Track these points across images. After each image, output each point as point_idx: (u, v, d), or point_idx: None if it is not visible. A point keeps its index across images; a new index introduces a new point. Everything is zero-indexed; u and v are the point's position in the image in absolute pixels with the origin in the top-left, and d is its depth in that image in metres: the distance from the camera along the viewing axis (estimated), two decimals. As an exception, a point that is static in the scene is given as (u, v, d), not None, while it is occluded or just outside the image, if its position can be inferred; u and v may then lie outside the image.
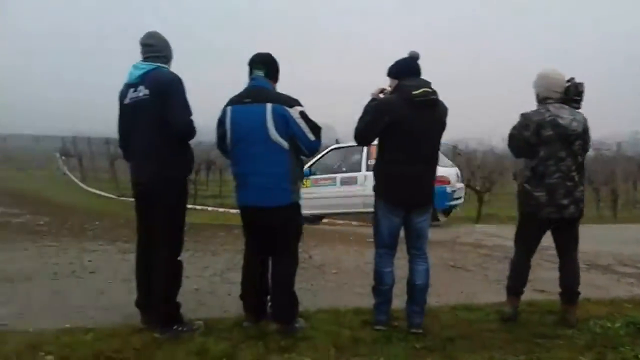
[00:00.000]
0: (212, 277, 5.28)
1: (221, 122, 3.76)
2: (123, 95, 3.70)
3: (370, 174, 9.28)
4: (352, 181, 10.58)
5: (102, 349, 3.28)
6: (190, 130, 3.64)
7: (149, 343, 3.40)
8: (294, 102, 3.65)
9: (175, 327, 3.57)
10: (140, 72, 3.61)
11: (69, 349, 3.27)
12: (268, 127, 3.56)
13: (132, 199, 3.92)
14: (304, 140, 3.64)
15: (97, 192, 20.57)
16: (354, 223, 11.03)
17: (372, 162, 9.40)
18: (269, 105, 3.58)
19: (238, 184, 3.79)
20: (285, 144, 3.60)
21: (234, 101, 3.73)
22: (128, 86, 3.66)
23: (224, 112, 3.74)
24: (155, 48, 3.70)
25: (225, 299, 4.55)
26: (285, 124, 3.58)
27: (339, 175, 10.77)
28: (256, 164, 3.62)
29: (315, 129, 3.67)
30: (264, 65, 3.78)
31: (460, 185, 10.70)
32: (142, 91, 3.56)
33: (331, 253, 7.05)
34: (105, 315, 3.99)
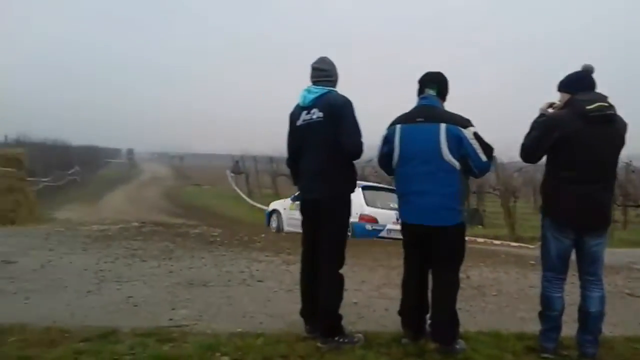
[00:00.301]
0: (369, 292, 5.39)
1: (388, 140, 3.82)
2: (295, 116, 3.93)
3: None
4: None
5: (270, 353, 3.49)
6: (360, 151, 3.75)
7: (313, 352, 3.55)
8: (467, 123, 3.61)
9: (337, 338, 3.68)
10: (314, 95, 3.81)
11: (242, 351, 3.52)
12: (441, 147, 3.55)
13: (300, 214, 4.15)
14: (476, 161, 3.58)
15: (262, 206, 21.95)
16: (513, 244, 10.56)
17: None
18: (442, 125, 3.56)
19: (404, 202, 3.82)
20: (456, 164, 3.57)
21: (403, 120, 3.76)
22: (301, 108, 3.88)
23: (392, 130, 3.79)
24: (327, 72, 3.90)
25: (382, 314, 4.60)
26: (458, 145, 3.55)
27: None
28: (426, 183, 3.62)
29: (488, 149, 3.60)
30: (436, 84, 3.79)
31: (397, 227, 9.74)
32: (316, 114, 3.76)
33: (490, 274, 6.79)
34: (272, 321, 4.25)
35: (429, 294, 3.81)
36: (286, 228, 12.77)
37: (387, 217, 11.11)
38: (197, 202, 26.64)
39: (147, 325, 3.96)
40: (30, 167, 12.68)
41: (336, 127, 3.68)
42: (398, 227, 9.83)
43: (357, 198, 11.11)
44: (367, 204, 11.23)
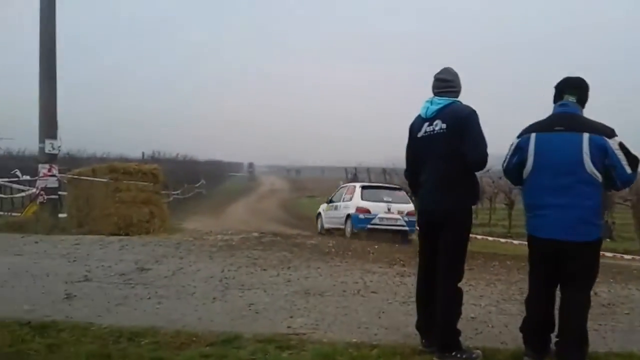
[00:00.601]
0: (487, 307, 5.20)
1: (520, 149, 3.65)
2: (416, 128, 3.91)
3: (343, 204, 15.15)
4: (337, 207, 15.55)
5: (386, 365, 3.51)
6: (485, 163, 3.68)
7: (429, 365, 3.52)
8: (612, 132, 3.40)
9: (454, 353, 3.60)
10: (437, 107, 3.77)
11: (357, 362, 3.58)
12: (584, 158, 3.36)
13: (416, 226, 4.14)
14: (620, 173, 3.38)
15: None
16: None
17: (348, 196, 15.23)
18: (585, 135, 3.38)
19: (536, 215, 3.62)
20: (599, 176, 3.37)
21: (538, 128, 3.60)
22: (423, 120, 3.85)
23: (525, 139, 3.63)
24: (451, 83, 3.86)
25: (501, 330, 4.44)
26: (602, 156, 3.35)
27: (334, 204, 15.91)
28: (564, 196, 3.43)
29: (634, 161, 3.38)
30: (577, 91, 3.61)
31: (389, 216, 14.19)
32: (439, 125, 3.72)
33: (621, 291, 6.28)
34: (387, 333, 4.26)
35: (555, 311, 3.63)
36: (325, 226, 16.03)
37: (378, 208, 14.09)
38: (311, 213, 27.24)
39: (267, 331, 4.14)
40: (164, 181, 13.69)
41: (459, 139, 3.62)
42: (388, 215, 14.07)
43: (356, 194, 14.78)
44: (362, 199, 14.41)
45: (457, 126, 3.65)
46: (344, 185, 16.95)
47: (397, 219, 14.17)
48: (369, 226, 13.84)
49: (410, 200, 14.95)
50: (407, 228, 14.05)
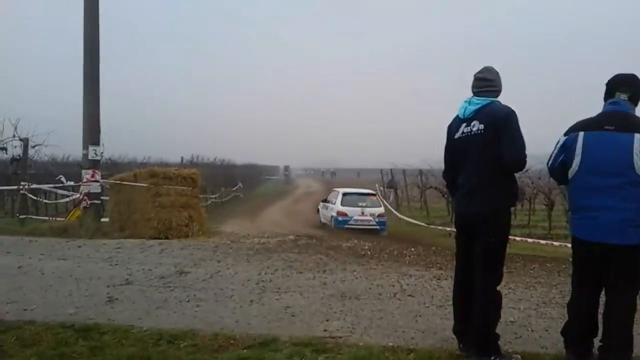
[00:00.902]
0: (527, 310, 5.10)
1: (567, 147, 3.55)
2: (454, 129, 3.85)
3: (331, 205, 19.47)
4: (327, 208, 19.25)
5: (423, 369, 3.48)
6: (523, 165, 3.60)
7: (466, 370, 3.47)
8: None
9: (493, 357, 3.55)
10: (475, 107, 3.71)
11: (394, 366, 3.55)
12: (635, 160, 3.26)
13: (453, 229, 4.09)
14: None
15: (409, 219, 21.78)
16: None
17: (334, 199, 18.80)
18: (637, 136, 3.28)
19: (582, 217, 3.52)
20: None
21: (587, 126, 3.50)
22: (460, 121, 3.80)
23: (572, 137, 3.53)
24: (492, 83, 3.78)
25: (542, 334, 4.36)
26: None
27: (327, 204, 19.41)
28: (612, 198, 3.33)
29: None
30: (629, 88, 3.49)
31: (362, 218, 17.78)
32: (477, 126, 3.65)
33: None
34: (423, 337, 4.23)
35: (599, 315, 3.55)
36: (321, 220, 19.72)
37: (354, 212, 17.89)
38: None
39: (303, 334, 4.17)
40: (202, 185, 13.88)
41: (497, 139, 3.55)
42: (362, 217, 18.45)
43: (338, 200, 18.37)
44: (342, 204, 18.12)
45: (494, 126, 3.58)
46: (334, 189, 20.89)
47: (369, 221, 17.87)
48: (346, 226, 17.30)
49: (381, 204, 19.72)
50: (377, 227, 17.76)
